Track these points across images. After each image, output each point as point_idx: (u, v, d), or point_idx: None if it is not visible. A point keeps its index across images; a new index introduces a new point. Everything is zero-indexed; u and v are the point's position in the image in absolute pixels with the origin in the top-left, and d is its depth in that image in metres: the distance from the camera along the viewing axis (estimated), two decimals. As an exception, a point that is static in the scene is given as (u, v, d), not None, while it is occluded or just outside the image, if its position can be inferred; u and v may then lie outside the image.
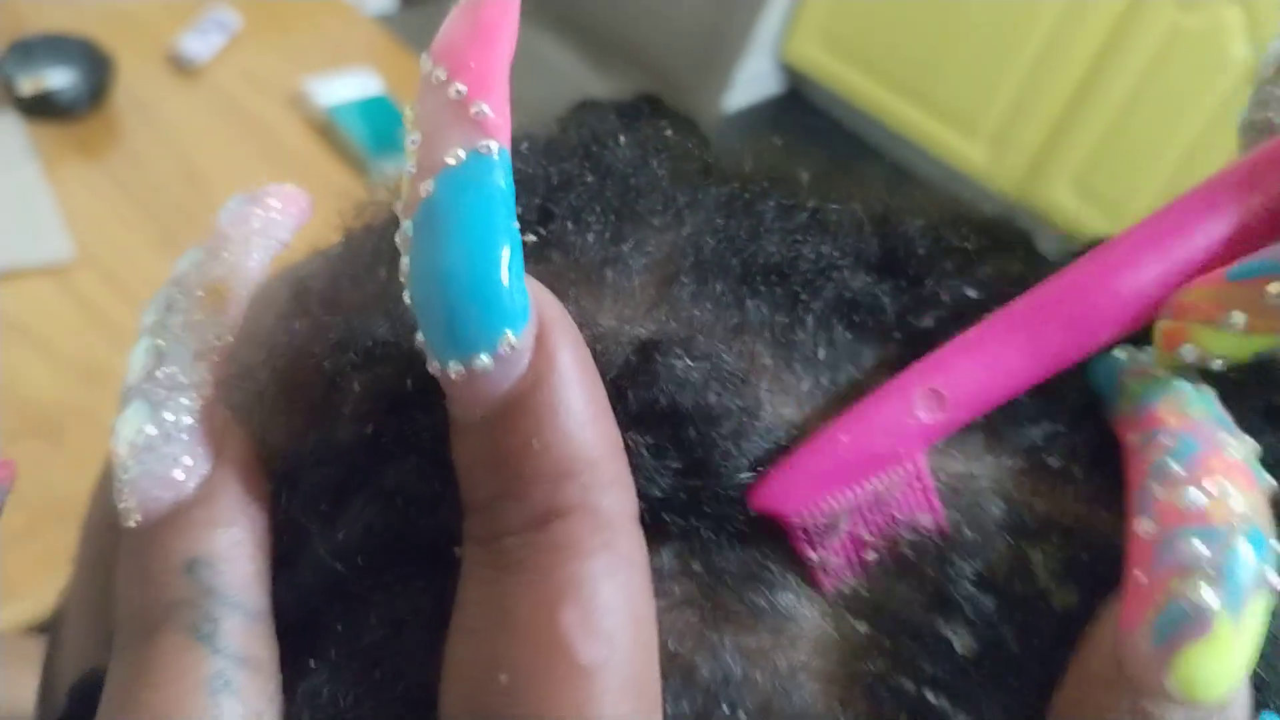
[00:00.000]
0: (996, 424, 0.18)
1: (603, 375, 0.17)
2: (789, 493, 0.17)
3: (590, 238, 0.20)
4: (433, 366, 0.16)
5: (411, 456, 0.18)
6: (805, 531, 0.17)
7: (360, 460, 0.19)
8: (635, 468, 0.17)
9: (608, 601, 0.15)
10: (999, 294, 0.19)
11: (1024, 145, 2.62)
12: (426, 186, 0.16)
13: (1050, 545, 0.17)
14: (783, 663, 0.17)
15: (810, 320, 0.19)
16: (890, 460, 0.17)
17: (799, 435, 0.18)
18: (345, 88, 1.41)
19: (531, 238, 0.20)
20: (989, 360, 0.18)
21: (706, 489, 0.17)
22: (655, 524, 0.17)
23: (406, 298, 0.16)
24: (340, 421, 0.19)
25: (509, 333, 0.15)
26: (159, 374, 0.18)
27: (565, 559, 0.15)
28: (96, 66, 1.30)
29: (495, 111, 0.16)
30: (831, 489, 0.17)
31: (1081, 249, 0.21)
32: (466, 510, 0.17)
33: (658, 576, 0.17)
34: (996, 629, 0.17)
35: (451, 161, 0.16)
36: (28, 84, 1.27)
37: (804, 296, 0.19)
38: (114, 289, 1.13)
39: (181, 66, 1.40)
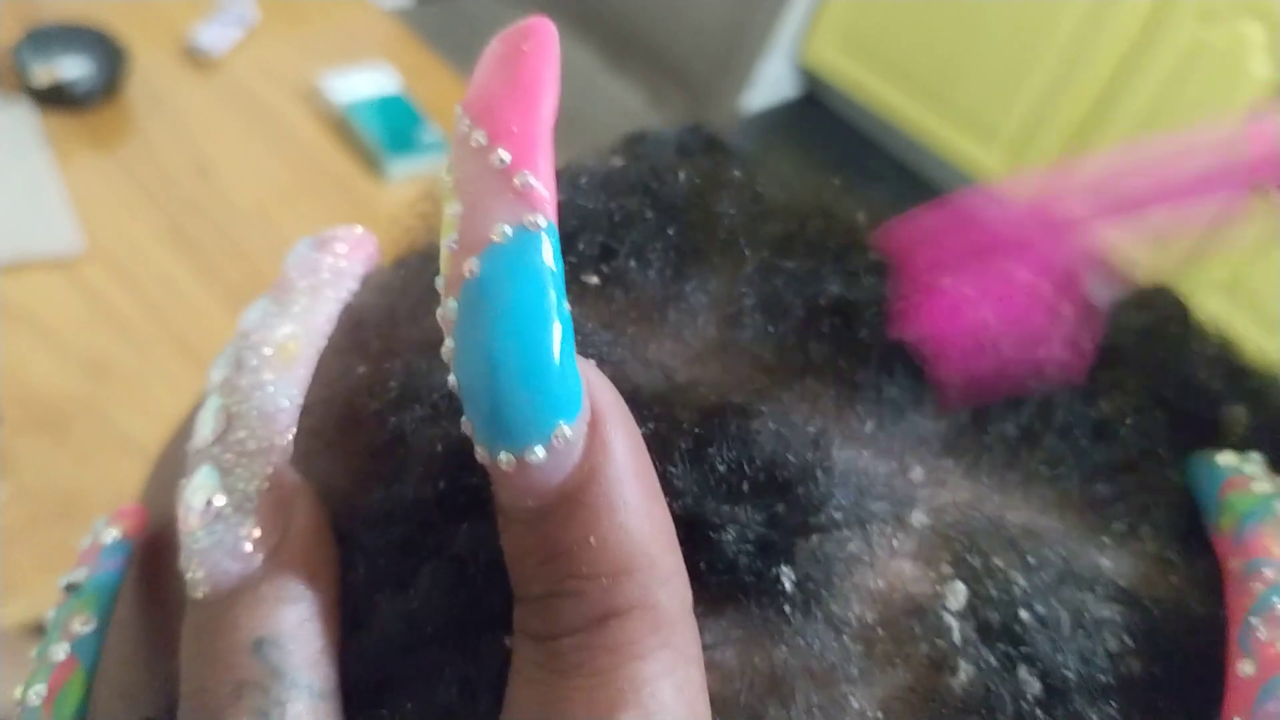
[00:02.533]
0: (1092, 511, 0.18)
1: (675, 436, 0.17)
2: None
3: (652, 275, 0.20)
4: (480, 455, 0.15)
5: (481, 519, 0.18)
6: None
7: (429, 519, 0.18)
8: (709, 539, 0.16)
9: (667, 703, 0.15)
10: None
11: (1041, 155, 2.61)
12: (471, 265, 0.15)
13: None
14: None
15: (873, 362, 0.19)
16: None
17: (869, 484, 0.18)
18: (361, 84, 1.41)
19: (594, 279, 0.20)
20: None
21: (782, 554, 0.17)
22: (717, 593, 0.17)
23: (451, 381, 0.15)
24: (406, 477, 0.19)
25: (563, 424, 0.15)
26: (229, 439, 0.18)
27: (624, 660, 0.15)
28: (111, 57, 1.30)
29: (542, 181, 0.15)
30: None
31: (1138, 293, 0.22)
32: (517, 600, 0.16)
33: (712, 647, 0.17)
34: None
35: (497, 238, 0.15)
36: (42, 73, 1.26)
37: (866, 338, 0.19)
38: (122, 282, 1.12)
39: (197, 59, 1.40)
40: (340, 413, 0.20)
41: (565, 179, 0.22)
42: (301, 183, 1.31)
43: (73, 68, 1.28)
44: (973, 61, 2.63)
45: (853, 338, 0.19)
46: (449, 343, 0.15)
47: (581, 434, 0.15)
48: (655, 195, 0.22)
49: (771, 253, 0.21)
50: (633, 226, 0.21)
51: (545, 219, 0.15)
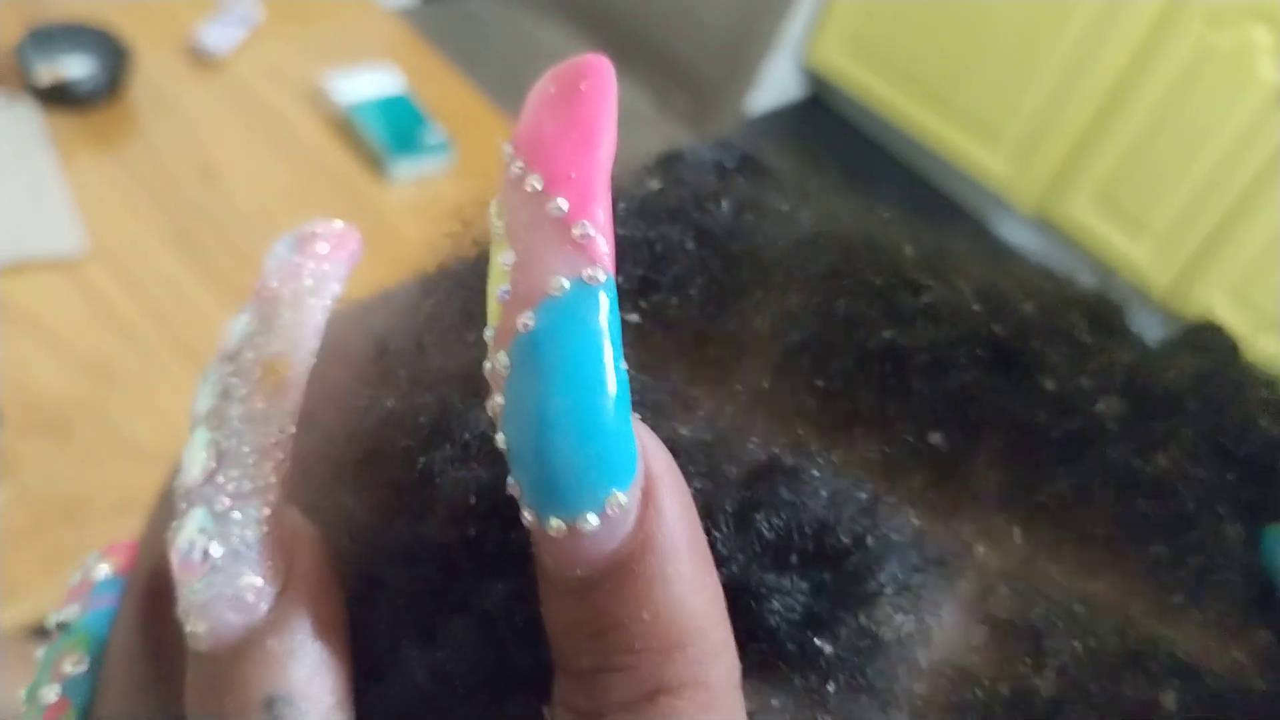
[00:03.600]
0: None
1: (720, 496, 0.16)
2: None
3: (693, 312, 0.20)
4: (528, 519, 0.15)
5: (514, 575, 0.17)
6: None
7: (457, 564, 0.17)
8: (752, 608, 0.16)
9: None
10: (1108, 385, 0.19)
11: (1046, 158, 2.60)
12: (525, 319, 0.14)
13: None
14: None
15: (922, 413, 0.18)
16: None
17: (919, 550, 0.17)
18: (365, 84, 1.40)
19: (634, 317, 0.19)
20: None
21: (827, 626, 0.16)
22: (756, 659, 0.16)
23: (500, 440, 0.15)
24: (433, 517, 0.18)
25: (617, 491, 0.14)
26: (221, 479, 0.17)
27: None
28: (115, 56, 1.29)
29: (601, 232, 0.15)
30: None
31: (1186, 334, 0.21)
32: (559, 672, 0.15)
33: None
34: None
35: (554, 292, 0.14)
36: (45, 72, 1.26)
37: (916, 387, 0.19)
38: (125, 284, 1.12)
39: (201, 58, 1.39)
40: (366, 446, 0.20)
41: None
42: (305, 184, 1.30)
43: (76, 67, 1.28)
44: (978, 65, 2.62)
45: (902, 386, 0.19)
46: (498, 399, 0.15)
47: (636, 500, 0.14)
48: (696, 224, 0.21)
49: (817, 291, 0.20)
50: (674, 259, 0.20)
51: (605, 272, 0.14)
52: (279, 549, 0.17)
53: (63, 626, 0.20)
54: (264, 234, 1.21)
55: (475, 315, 0.20)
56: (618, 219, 0.21)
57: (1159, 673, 0.16)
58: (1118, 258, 2.57)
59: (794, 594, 0.16)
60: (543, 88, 0.15)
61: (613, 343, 0.14)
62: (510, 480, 0.15)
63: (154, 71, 1.34)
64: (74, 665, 0.20)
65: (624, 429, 0.14)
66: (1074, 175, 2.58)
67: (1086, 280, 0.23)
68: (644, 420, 0.17)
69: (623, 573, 0.14)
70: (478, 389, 0.18)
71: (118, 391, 1.03)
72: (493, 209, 0.15)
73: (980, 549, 0.17)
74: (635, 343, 0.19)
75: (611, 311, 0.14)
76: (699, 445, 0.17)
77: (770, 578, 0.16)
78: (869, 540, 0.17)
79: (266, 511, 0.17)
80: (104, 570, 0.21)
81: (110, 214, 1.18)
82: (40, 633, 0.91)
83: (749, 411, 0.19)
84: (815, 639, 0.16)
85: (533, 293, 0.14)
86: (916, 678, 0.16)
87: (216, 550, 0.16)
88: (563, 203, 0.14)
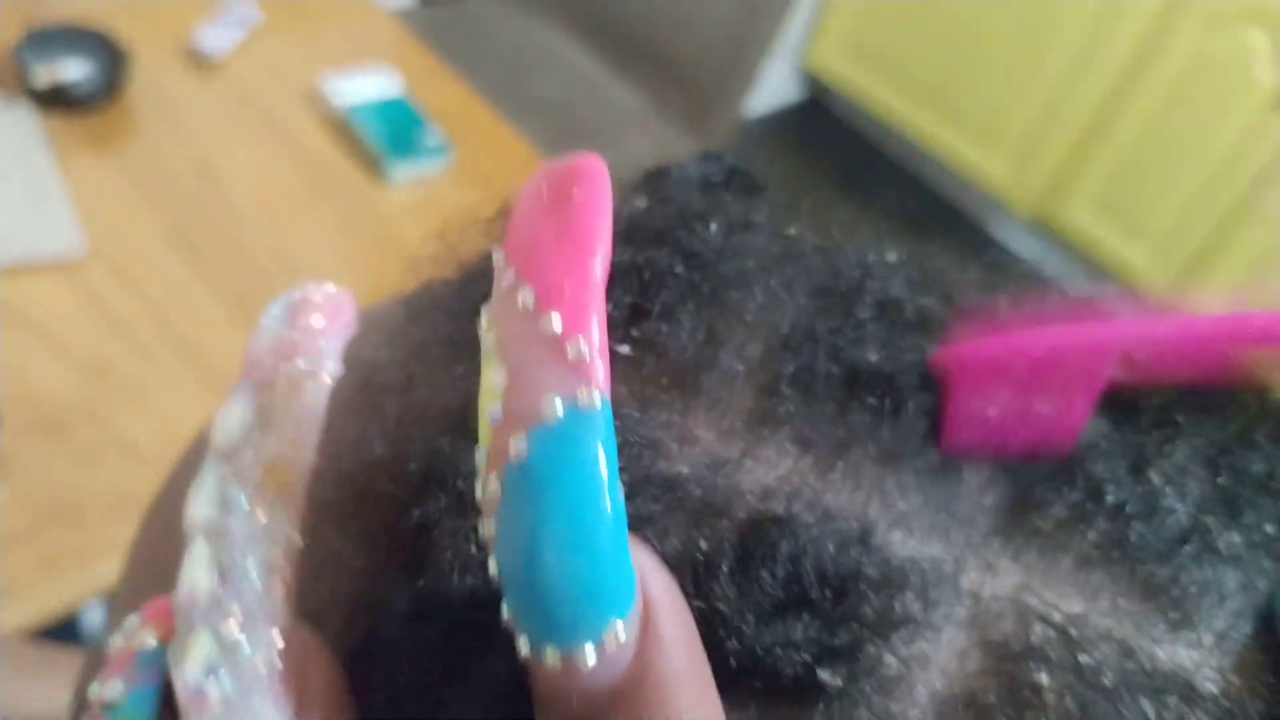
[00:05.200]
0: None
1: (718, 555, 0.16)
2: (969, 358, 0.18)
3: (684, 337, 0.19)
4: (523, 649, 0.14)
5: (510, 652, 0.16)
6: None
7: (459, 620, 0.17)
8: (761, 661, 0.16)
9: None
10: (1107, 400, 0.19)
11: (1045, 162, 2.61)
12: (518, 446, 0.14)
13: None
14: None
15: (918, 432, 0.18)
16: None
17: (918, 577, 0.17)
18: (363, 86, 1.40)
19: (625, 349, 0.19)
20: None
21: (830, 661, 0.16)
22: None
23: (492, 566, 0.14)
24: (432, 570, 0.17)
25: (615, 621, 0.14)
26: (225, 601, 0.16)
27: None
28: (113, 58, 1.29)
29: (596, 350, 0.14)
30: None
31: None
32: None
33: None
34: None
35: (547, 417, 0.14)
36: (43, 74, 1.25)
37: (909, 405, 0.18)
38: (124, 285, 1.12)
39: (199, 60, 1.39)
40: (356, 488, 0.19)
41: None
42: (303, 186, 1.30)
43: (74, 69, 1.28)
44: (977, 68, 2.62)
45: (896, 407, 0.18)
46: (490, 524, 0.14)
47: (635, 630, 0.14)
48: (684, 247, 0.21)
49: (807, 311, 0.20)
50: (663, 284, 0.20)
51: (600, 396, 0.14)
52: (290, 672, 0.16)
53: (108, 707, 0.19)
54: (262, 235, 1.21)
55: (461, 346, 0.20)
56: None
57: (1158, 694, 0.16)
58: (1115, 262, 2.58)
59: (801, 642, 0.16)
60: (535, 188, 0.15)
61: (610, 471, 0.14)
62: (505, 611, 0.14)
63: (152, 73, 1.34)
64: None
65: (621, 556, 0.14)
66: (1072, 179, 2.58)
67: (1076, 288, 0.22)
68: (641, 459, 0.17)
69: (622, 703, 0.14)
70: (466, 429, 0.18)
71: (116, 392, 1.03)
72: (483, 321, 0.15)
73: (975, 575, 0.17)
74: (628, 375, 0.19)
75: (607, 433, 0.14)
76: (697, 491, 0.17)
77: (778, 629, 0.16)
78: (868, 572, 0.16)
79: (278, 638, 0.16)
80: (149, 640, 0.19)
81: (108, 215, 1.18)
82: (41, 633, 0.91)
83: (743, 438, 0.18)
84: (822, 673, 0.16)
85: (525, 416, 0.14)
86: (919, 704, 0.16)
87: (226, 683, 0.15)
88: (556, 319, 0.14)
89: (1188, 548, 0.18)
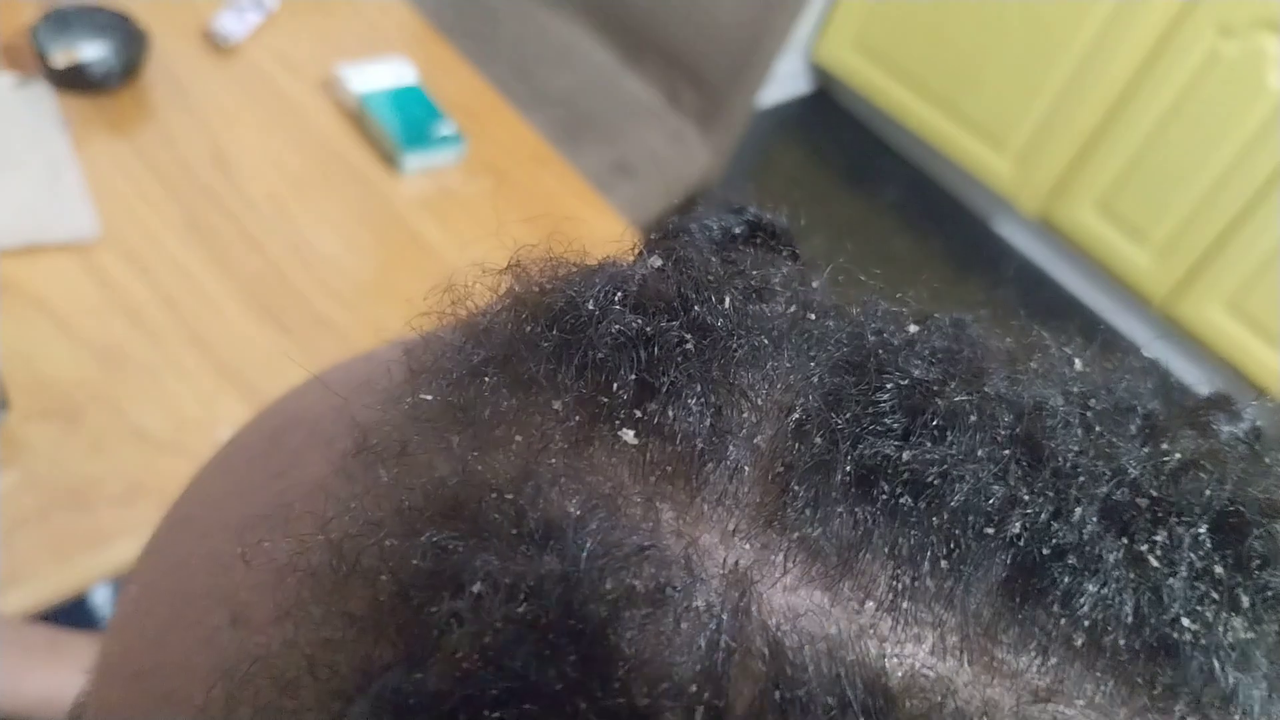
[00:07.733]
0: None
1: (724, 666, 0.16)
2: None
3: (692, 424, 0.19)
4: None
5: None
6: None
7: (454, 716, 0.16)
8: None
9: None
10: (1134, 510, 0.18)
11: (1051, 162, 2.60)
12: None
13: None
14: None
15: (936, 540, 0.18)
16: None
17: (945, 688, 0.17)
18: (378, 75, 1.40)
19: (630, 434, 0.19)
20: None
21: None
22: None
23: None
24: (435, 664, 0.17)
25: None
26: None
27: None
28: (131, 40, 1.29)
29: None
30: None
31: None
32: None
33: None
34: None
35: None
36: (61, 55, 1.26)
37: (924, 507, 0.18)
38: (136, 270, 1.12)
39: (216, 44, 1.39)
40: (347, 562, 0.18)
41: (600, 293, 0.21)
42: (317, 174, 1.31)
43: (92, 50, 1.28)
44: (987, 65, 2.62)
45: (915, 510, 0.18)
46: None
47: None
48: (697, 320, 0.20)
49: (821, 393, 0.20)
50: (671, 362, 0.19)
51: None
52: None
53: None
54: (275, 223, 1.22)
55: (455, 408, 0.20)
56: (614, 315, 0.20)
57: None
58: (1118, 263, 2.58)
59: None
60: None
61: None
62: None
63: (169, 56, 1.35)
64: None
65: None
66: (1079, 179, 2.58)
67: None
68: (658, 590, 0.16)
69: None
70: (466, 516, 0.18)
71: (127, 377, 1.04)
72: None
73: (992, 690, 0.17)
74: (634, 464, 0.19)
75: None
76: (712, 625, 0.16)
77: None
78: (879, 698, 0.16)
79: None
80: None
81: (123, 199, 1.18)
82: (43, 616, 0.91)
83: (749, 542, 0.18)
84: None
85: None
86: None
87: None
88: None
89: (1199, 657, 0.17)
